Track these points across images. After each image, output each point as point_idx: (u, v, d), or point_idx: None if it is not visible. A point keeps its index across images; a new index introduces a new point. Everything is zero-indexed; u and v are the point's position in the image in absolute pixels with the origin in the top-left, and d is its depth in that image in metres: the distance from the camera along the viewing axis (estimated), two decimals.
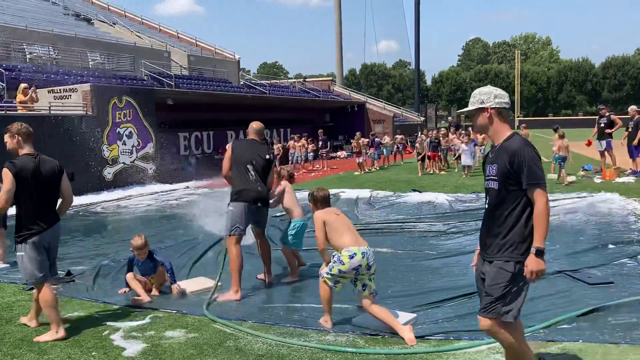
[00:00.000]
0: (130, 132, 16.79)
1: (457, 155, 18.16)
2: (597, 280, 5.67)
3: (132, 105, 16.78)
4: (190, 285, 5.96)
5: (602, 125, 15.48)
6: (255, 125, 6.09)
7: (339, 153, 29.42)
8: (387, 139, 24.12)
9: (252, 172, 5.78)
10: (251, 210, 5.73)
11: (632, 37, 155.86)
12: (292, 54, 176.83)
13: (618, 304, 4.94)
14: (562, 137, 14.39)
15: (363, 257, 4.47)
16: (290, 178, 6.70)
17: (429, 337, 4.41)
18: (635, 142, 14.53)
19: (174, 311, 5.21)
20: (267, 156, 5.94)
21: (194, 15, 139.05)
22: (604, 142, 15.35)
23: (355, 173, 18.99)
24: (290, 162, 21.08)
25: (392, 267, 6.59)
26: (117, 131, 16.24)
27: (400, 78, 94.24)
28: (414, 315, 4.83)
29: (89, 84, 16.29)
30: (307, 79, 41.86)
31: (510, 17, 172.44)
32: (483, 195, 11.86)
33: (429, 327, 4.63)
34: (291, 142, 22.23)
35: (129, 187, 16.24)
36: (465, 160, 16.59)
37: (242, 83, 31.99)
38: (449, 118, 27.02)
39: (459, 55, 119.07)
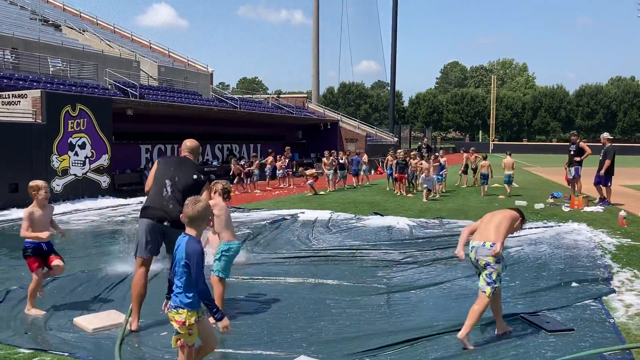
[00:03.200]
0: (84, 142, 15.90)
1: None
2: (556, 327, 5.05)
3: (86, 114, 15.91)
4: (96, 320, 5.17)
5: (572, 152, 15.16)
6: (189, 142, 5.53)
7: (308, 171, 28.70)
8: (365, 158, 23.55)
9: (169, 189, 5.15)
10: (157, 230, 5.05)
11: (607, 67, 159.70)
12: (273, 71, 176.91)
13: (577, 358, 4.32)
14: (485, 158, 18.20)
15: (472, 251, 4.72)
16: (225, 194, 5.77)
17: None
18: (602, 172, 14.19)
19: (66, 354, 4.43)
20: (195, 176, 5.27)
21: (176, 28, 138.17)
22: (572, 170, 14.97)
23: (321, 192, 18.34)
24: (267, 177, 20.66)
25: (332, 303, 5.91)
26: (68, 141, 15.35)
27: (377, 98, 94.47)
28: None
29: (39, 89, 15.41)
30: (281, 95, 41.35)
31: (489, 42, 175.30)
32: (447, 220, 11.33)
33: None
34: (269, 158, 21.54)
35: (80, 200, 15.34)
36: (424, 184, 16.14)
37: (212, 96, 31.23)
38: (424, 139, 26.47)
39: (436, 78, 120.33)
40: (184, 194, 5.15)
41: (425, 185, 16.13)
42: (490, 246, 4.58)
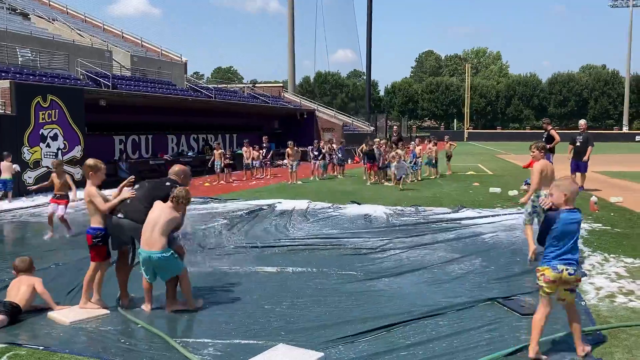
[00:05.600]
0: (56, 133, 15.61)
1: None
2: (530, 310, 5.13)
3: (58, 105, 15.61)
4: (72, 313, 5.10)
5: (543, 139, 15.34)
6: (174, 167, 5.84)
7: (286, 161, 28.64)
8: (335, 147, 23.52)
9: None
10: (109, 225, 5.52)
11: (578, 55, 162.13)
12: (249, 60, 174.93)
13: (551, 340, 4.43)
14: (435, 144, 20.03)
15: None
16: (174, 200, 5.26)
17: None
18: (586, 157, 14.43)
19: (40, 348, 4.36)
20: (168, 182, 5.60)
21: (149, 17, 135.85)
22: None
23: (298, 182, 18.34)
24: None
25: (310, 291, 5.92)
26: (40, 132, 15.05)
27: (354, 87, 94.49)
28: (321, 354, 4.16)
29: (8, 80, 15.05)
30: (256, 85, 41.08)
31: (463, 31, 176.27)
32: (423, 208, 11.41)
33: None
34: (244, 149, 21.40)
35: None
36: (398, 173, 16.19)
37: (187, 86, 30.89)
38: (394, 128, 26.39)
39: (412, 67, 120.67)
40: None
41: (395, 172, 16.18)
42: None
